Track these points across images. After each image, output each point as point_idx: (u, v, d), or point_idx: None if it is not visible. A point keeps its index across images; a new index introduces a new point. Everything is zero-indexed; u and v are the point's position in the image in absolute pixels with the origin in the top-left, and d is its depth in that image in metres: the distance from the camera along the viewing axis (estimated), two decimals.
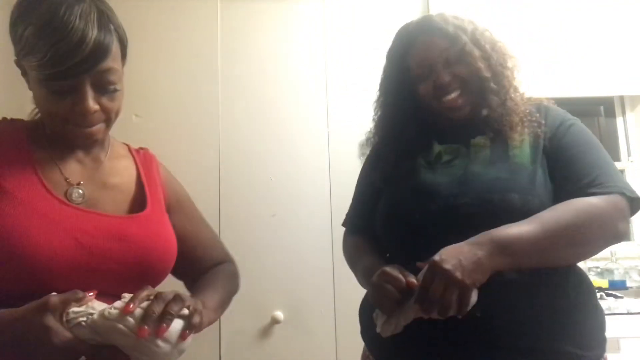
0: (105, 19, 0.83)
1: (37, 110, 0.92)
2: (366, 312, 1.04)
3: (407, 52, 1.04)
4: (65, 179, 0.87)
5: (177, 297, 0.76)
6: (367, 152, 1.16)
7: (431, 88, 1.00)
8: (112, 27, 0.84)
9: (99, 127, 0.86)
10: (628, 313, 1.67)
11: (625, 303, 1.71)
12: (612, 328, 0.96)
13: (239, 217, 1.85)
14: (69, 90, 0.81)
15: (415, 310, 0.82)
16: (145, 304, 0.74)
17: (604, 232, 0.87)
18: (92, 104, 0.82)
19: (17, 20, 0.82)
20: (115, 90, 0.86)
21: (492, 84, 0.97)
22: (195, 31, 1.93)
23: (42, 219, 0.80)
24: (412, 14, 2.00)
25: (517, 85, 1.01)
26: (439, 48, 0.98)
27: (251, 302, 1.80)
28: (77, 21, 0.79)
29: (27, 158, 0.85)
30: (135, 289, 0.81)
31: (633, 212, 0.91)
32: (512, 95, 0.98)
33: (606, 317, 0.93)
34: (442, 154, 1.00)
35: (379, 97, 1.15)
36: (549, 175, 0.93)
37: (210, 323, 0.90)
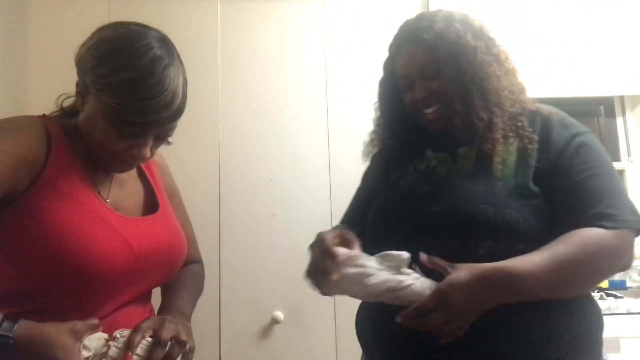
0: (185, 83, 0.87)
1: (58, 113, 0.96)
2: (361, 311, 1.05)
3: (395, 60, 1.05)
4: (98, 191, 0.89)
5: (178, 340, 0.80)
6: (370, 152, 1.15)
7: (411, 101, 1.00)
8: (186, 88, 0.87)
9: (134, 166, 0.92)
10: (628, 313, 1.67)
11: (625, 303, 1.71)
12: (612, 328, 0.96)
13: (239, 217, 1.85)
14: (136, 136, 0.83)
15: (387, 298, 0.82)
16: (145, 343, 0.78)
17: (612, 267, 0.88)
18: (149, 153, 0.87)
19: (107, 56, 0.81)
20: (169, 143, 0.92)
21: (466, 100, 0.94)
22: (195, 31, 1.93)
23: (103, 225, 0.82)
24: (412, 14, 2.00)
25: (507, 95, 0.95)
26: (419, 62, 0.98)
27: (251, 302, 1.80)
28: (172, 82, 0.82)
29: (76, 163, 0.86)
30: (154, 286, 0.90)
31: (637, 235, 0.89)
32: (495, 108, 0.93)
33: (606, 317, 0.91)
34: (430, 161, 1.01)
35: (377, 99, 1.16)
36: (555, 196, 0.88)
37: None
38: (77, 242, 0.77)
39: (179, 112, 0.84)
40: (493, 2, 2.04)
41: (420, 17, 1.05)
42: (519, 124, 0.93)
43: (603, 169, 0.89)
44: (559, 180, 0.88)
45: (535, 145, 0.91)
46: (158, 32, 0.88)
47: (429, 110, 0.98)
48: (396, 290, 0.81)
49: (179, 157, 1.78)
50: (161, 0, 1.93)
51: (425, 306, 0.79)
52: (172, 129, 0.88)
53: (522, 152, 0.91)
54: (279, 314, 1.80)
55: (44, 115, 0.91)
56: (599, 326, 0.89)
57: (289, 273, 1.82)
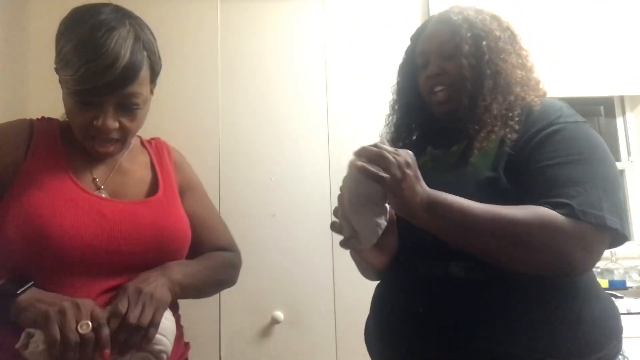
0: (140, 45, 0.89)
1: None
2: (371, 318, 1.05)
3: (417, 39, 1.07)
4: (94, 179, 0.95)
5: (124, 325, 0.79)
6: (386, 136, 1.16)
7: (424, 78, 1.01)
8: (145, 54, 0.90)
9: (114, 147, 0.94)
10: (628, 313, 1.67)
11: (625, 303, 1.71)
12: None
13: (239, 217, 1.85)
14: (93, 105, 0.88)
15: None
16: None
17: (551, 248, 0.77)
18: (111, 122, 0.89)
19: (61, 34, 0.89)
20: (137, 112, 0.92)
21: (477, 81, 0.94)
22: (195, 31, 1.93)
23: (68, 203, 0.87)
24: (412, 14, 2.01)
25: (517, 89, 0.93)
26: (439, 40, 0.99)
27: (251, 302, 1.80)
28: (113, 45, 0.85)
29: (59, 153, 0.93)
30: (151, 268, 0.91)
31: (615, 244, 0.83)
32: (499, 95, 0.92)
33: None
34: (427, 157, 1.01)
35: (396, 81, 1.15)
36: (518, 185, 0.84)
37: (177, 295, 0.92)
38: (43, 221, 0.83)
39: (127, 75, 0.86)
40: (493, 2, 2.03)
41: (453, 6, 1.06)
42: (510, 114, 0.91)
43: (574, 158, 0.82)
44: (522, 167, 0.85)
45: (514, 135, 0.88)
46: (117, 6, 0.92)
47: (438, 88, 0.98)
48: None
49: None
50: (161, 0, 1.93)
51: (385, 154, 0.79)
52: (132, 96, 0.89)
53: (502, 143, 0.89)
54: (279, 314, 1.80)
55: (42, 118, 0.99)
56: (604, 335, 0.85)
57: (289, 273, 1.83)
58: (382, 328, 0.95)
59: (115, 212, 0.90)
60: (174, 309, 1.00)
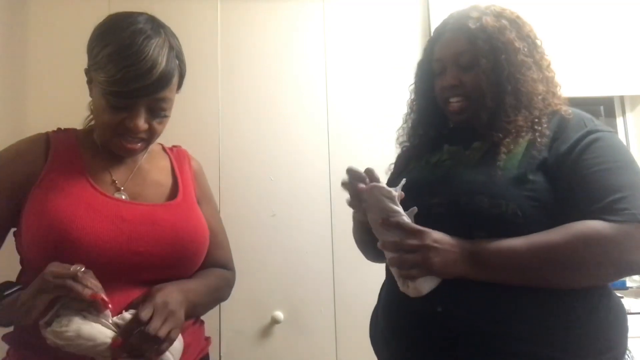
0: (173, 54, 0.95)
1: (90, 118, 1.06)
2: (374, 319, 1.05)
3: (435, 44, 1.05)
4: (113, 181, 0.99)
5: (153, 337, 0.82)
6: (401, 136, 1.17)
7: (440, 87, 1.00)
8: (177, 62, 0.96)
9: (140, 144, 0.98)
10: (628, 313, 1.65)
11: (625, 303, 1.69)
12: None
13: (239, 217, 1.85)
14: (126, 107, 0.92)
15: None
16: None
17: (609, 261, 0.80)
18: (142, 123, 0.94)
19: (97, 39, 0.93)
20: (165, 117, 0.98)
21: (498, 97, 0.93)
22: (195, 31, 1.93)
23: (87, 208, 0.90)
24: (412, 14, 2.01)
25: (539, 101, 0.95)
26: (456, 50, 0.97)
27: (251, 302, 1.80)
28: (151, 52, 0.90)
29: (77, 160, 0.97)
30: (172, 273, 0.94)
31: None
32: (524, 110, 0.93)
33: None
34: (443, 155, 1.00)
35: (413, 80, 1.15)
36: (563, 191, 0.85)
37: (188, 314, 0.96)
38: (61, 223, 0.86)
39: (162, 81, 0.91)
40: (493, 2, 2.03)
41: (472, 7, 1.03)
42: (536, 119, 0.93)
43: (617, 164, 0.85)
44: (567, 174, 0.86)
45: (545, 140, 0.89)
46: (149, 15, 0.97)
47: (454, 100, 0.98)
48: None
49: None
50: (161, 0, 1.93)
51: (413, 227, 0.86)
52: (163, 100, 0.94)
53: (530, 145, 0.90)
54: (279, 314, 1.80)
55: (58, 129, 1.04)
56: (621, 324, 0.87)
57: (289, 273, 1.83)
58: (396, 327, 0.93)
59: (135, 214, 0.93)
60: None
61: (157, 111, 0.96)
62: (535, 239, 0.81)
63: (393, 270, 0.88)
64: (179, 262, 0.97)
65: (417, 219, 0.90)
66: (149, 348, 0.82)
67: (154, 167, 1.07)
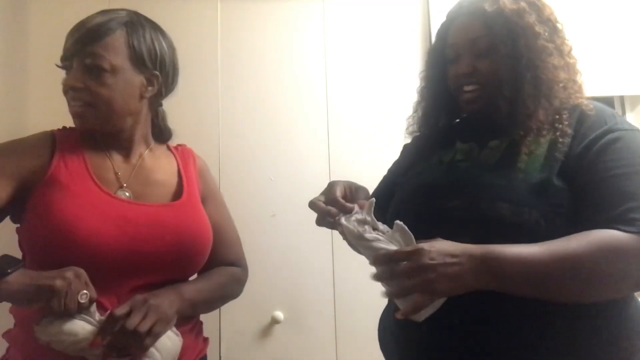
0: (122, 23, 0.96)
1: None
2: (383, 319, 1.01)
3: (448, 29, 0.97)
4: (117, 179, 0.98)
5: (135, 332, 0.81)
6: (411, 126, 1.07)
7: (453, 74, 0.94)
8: (125, 30, 0.96)
9: (82, 109, 0.95)
10: None
11: None
12: None
13: (239, 217, 1.84)
14: (68, 69, 0.95)
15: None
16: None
17: (629, 274, 0.74)
18: (72, 80, 0.94)
19: None
20: (103, 76, 0.94)
21: (516, 86, 0.85)
22: (195, 31, 1.93)
23: (93, 209, 0.89)
24: (412, 14, 2.01)
25: (559, 90, 0.88)
26: (471, 35, 0.90)
27: (251, 302, 1.80)
28: (90, 17, 0.95)
29: (81, 159, 0.97)
30: (176, 273, 0.94)
31: None
32: (544, 100, 0.85)
33: None
34: (457, 153, 0.94)
35: (424, 67, 1.07)
36: (577, 194, 0.79)
37: (187, 312, 0.96)
38: (66, 224, 0.86)
39: (91, 33, 0.93)
40: None
41: None
42: (557, 116, 0.86)
43: (635, 169, 0.78)
44: (582, 176, 0.79)
45: (567, 140, 0.82)
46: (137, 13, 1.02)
47: (469, 88, 0.91)
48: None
49: None
50: (161, 0, 1.93)
51: (401, 252, 0.74)
52: (96, 56, 0.93)
53: (552, 146, 0.83)
54: (279, 314, 1.80)
55: (63, 128, 1.03)
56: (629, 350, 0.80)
57: (289, 273, 1.83)
58: (406, 331, 0.89)
59: (139, 215, 0.93)
60: (191, 322, 1.02)
61: (92, 68, 0.93)
62: (555, 247, 0.73)
63: (386, 290, 0.79)
64: (182, 263, 0.97)
65: (428, 224, 0.82)
66: (131, 344, 0.81)
67: (157, 166, 1.06)
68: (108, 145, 1.01)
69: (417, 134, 1.07)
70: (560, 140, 0.83)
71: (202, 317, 1.14)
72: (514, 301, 0.75)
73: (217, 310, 1.79)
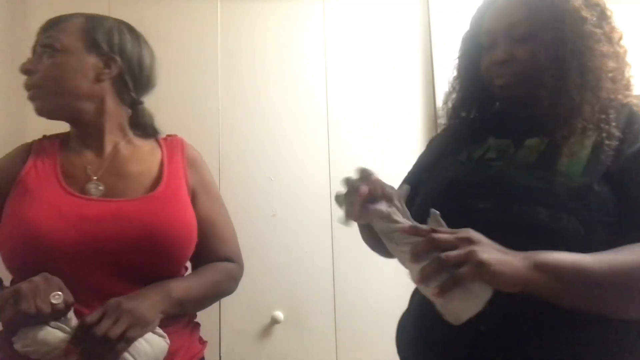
0: (90, 16, 1.02)
1: None
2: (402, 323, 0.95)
3: (484, 14, 0.90)
4: (87, 175, 0.97)
5: (106, 338, 0.78)
6: (445, 114, 1.00)
7: (487, 62, 0.87)
8: (83, 19, 1.02)
9: (33, 91, 0.99)
10: None
11: None
12: None
13: (239, 217, 1.84)
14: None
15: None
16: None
17: None
18: (27, 63, 0.99)
19: None
20: (52, 56, 0.96)
21: (560, 75, 0.78)
22: (195, 31, 1.93)
23: (51, 210, 0.88)
24: (412, 14, 2.00)
25: (607, 81, 0.80)
26: (510, 20, 0.82)
27: (251, 302, 1.80)
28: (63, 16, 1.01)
29: (53, 162, 0.97)
30: (152, 269, 0.91)
31: None
32: (590, 93, 0.78)
33: None
34: (489, 150, 0.87)
35: (458, 55, 0.99)
36: (623, 201, 0.73)
37: (176, 311, 0.93)
38: (31, 231, 0.86)
39: (49, 22, 1.00)
40: None
41: None
42: (603, 116, 0.78)
43: None
44: (631, 183, 0.74)
45: (614, 142, 0.76)
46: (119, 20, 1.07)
47: (503, 78, 0.84)
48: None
49: None
50: (161, 0, 1.93)
51: (449, 238, 0.65)
52: (50, 37, 0.98)
53: (597, 148, 0.76)
54: (279, 314, 1.80)
55: (43, 137, 1.05)
56: None
57: (289, 273, 1.83)
58: (428, 340, 0.82)
59: (98, 213, 0.90)
60: (190, 321, 1.01)
61: (46, 51, 0.98)
62: (604, 257, 0.67)
63: (424, 291, 0.68)
64: (155, 259, 0.92)
65: (454, 225, 0.73)
66: (103, 351, 0.78)
67: (134, 158, 1.02)
68: (82, 142, 1.01)
69: (447, 126, 1.00)
70: (607, 142, 0.76)
71: (201, 317, 1.14)
72: (546, 307, 0.70)
73: (217, 310, 1.79)
